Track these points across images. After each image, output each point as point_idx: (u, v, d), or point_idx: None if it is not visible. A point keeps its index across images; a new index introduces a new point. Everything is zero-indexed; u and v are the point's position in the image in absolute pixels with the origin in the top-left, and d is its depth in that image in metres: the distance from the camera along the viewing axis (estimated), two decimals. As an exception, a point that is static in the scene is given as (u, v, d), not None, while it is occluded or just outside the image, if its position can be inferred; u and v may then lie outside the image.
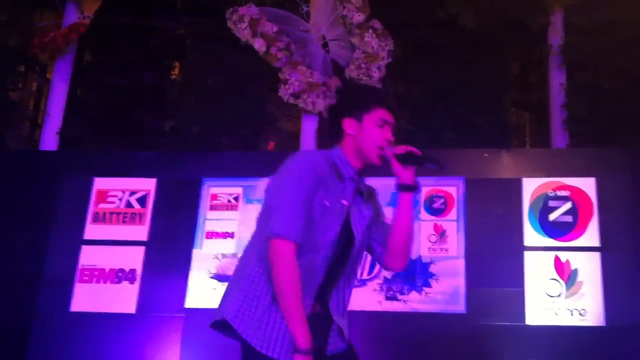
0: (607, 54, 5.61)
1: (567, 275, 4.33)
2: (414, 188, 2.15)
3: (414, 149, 2.10)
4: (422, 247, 4.53)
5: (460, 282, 4.41)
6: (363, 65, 5.60)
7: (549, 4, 5.71)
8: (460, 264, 4.46)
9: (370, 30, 5.65)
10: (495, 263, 4.42)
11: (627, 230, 4.40)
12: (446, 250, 4.52)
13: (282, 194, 2.05)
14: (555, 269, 4.36)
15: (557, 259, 4.38)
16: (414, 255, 4.46)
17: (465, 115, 5.70)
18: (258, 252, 2.09)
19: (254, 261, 2.09)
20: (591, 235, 4.41)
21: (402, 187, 2.17)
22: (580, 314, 4.26)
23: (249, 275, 2.08)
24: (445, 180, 4.65)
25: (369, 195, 2.28)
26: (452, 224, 4.60)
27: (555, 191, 4.53)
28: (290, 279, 1.97)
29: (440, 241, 4.55)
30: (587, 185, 4.52)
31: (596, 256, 4.35)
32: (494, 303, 4.31)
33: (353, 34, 5.70)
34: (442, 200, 4.66)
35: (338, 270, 2.15)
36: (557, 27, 5.78)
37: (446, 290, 4.42)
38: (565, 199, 4.51)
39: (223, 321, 2.06)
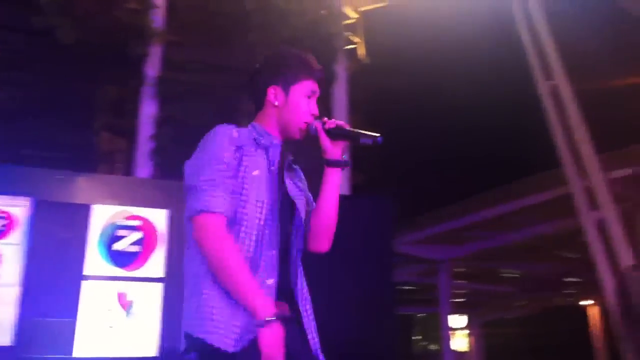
0: (200, 91, 5.98)
1: (127, 305, 4.34)
2: (343, 163, 2.04)
3: (343, 123, 2.03)
4: (-33, 274, 4.03)
5: (10, 312, 4.05)
6: None
7: (148, 35, 5.83)
8: (15, 292, 4.10)
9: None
10: (53, 292, 4.18)
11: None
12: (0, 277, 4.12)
13: (199, 170, 1.81)
14: (117, 299, 4.34)
15: (119, 289, 4.36)
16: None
17: (50, 132, 5.39)
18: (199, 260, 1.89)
19: (196, 268, 1.93)
20: (156, 266, 4.51)
21: (331, 163, 2.04)
22: (135, 344, 4.30)
23: (195, 284, 1.98)
24: (10, 199, 4.27)
25: (290, 167, 2.10)
26: (13, 247, 4.22)
27: (126, 220, 4.53)
28: (224, 247, 1.76)
29: (-5, 267, 4.12)
30: (158, 216, 4.63)
31: (158, 287, 4.46)
32: (46, 334, 4.06)
33: None
34: (3, 222, 4.25)
35: (290, 249, 1.99)
36: (154, 60, 5.93)
37: (-7, 322, 4.01)
38: (134, 228, 4.54)
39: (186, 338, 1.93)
